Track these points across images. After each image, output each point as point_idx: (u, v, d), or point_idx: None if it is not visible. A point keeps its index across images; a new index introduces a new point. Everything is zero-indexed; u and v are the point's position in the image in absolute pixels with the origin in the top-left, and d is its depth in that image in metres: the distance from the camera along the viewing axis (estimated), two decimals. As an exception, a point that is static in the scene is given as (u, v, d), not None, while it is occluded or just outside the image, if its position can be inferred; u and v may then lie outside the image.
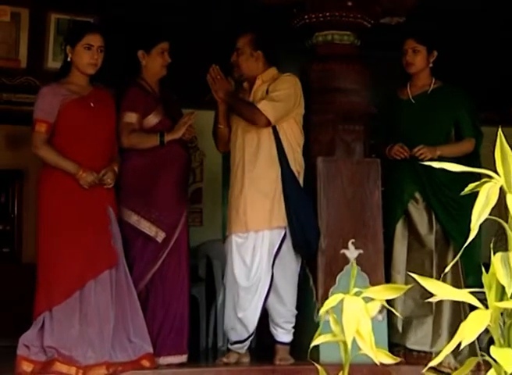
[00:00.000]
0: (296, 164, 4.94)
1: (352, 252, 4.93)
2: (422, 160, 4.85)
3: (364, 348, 2.50)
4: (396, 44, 5.27)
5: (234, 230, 4.89)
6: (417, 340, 4.91)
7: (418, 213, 5.13)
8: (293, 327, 4.88)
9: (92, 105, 4.66)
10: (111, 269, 4.51)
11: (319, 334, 2.66)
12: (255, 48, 4.96)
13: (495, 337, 2.28)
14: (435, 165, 2.46)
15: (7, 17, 6.09)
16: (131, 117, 4.87)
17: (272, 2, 5.17)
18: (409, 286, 2.48)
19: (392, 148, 5.15)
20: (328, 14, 5.10)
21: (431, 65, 5.29)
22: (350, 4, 5.06)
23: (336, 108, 5.08)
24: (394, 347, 4.92)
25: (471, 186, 2.42)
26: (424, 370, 2.35)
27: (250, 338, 4.85)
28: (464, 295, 2.33)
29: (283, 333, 4.87)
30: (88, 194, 4.55)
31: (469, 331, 2.19)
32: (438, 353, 4.93)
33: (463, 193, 2.44)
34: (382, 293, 2.63)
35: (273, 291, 4.83)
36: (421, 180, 5.06)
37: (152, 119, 4.93)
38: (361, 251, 4.94)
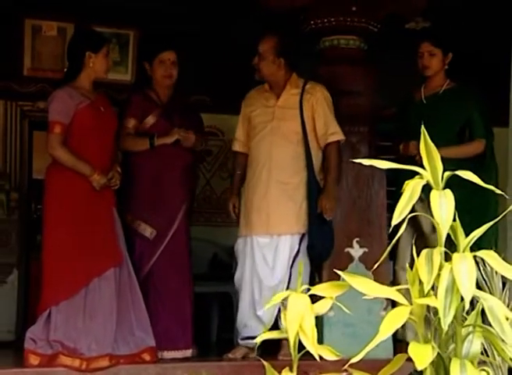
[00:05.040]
0: (321, 171, 5.02)
1: (357, 251, 5.04)
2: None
3: (306, 344, 2.61)
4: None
5: (256, 232, 4.99)
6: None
7: (423, 212, 5.13)
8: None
9: (102, 109, 4.85)
10: (115, 267, 4.68)
11: (266, 330, 2.81)
12: (278, 55, 5.00)
13: (419, 333, 2.38)
14: (366, 162, 2.54)
15: (54, 32, 6.59)
16: (128, 122, 5.11)
17: (279, 9, 5.29)
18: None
19: (408, 144, 5.12)
20: (333, 19, 5.20)
21: (446, 67, 5.29)
22: (354, 9, 5.15)
23: (342, 110, 5.16)
24: (397, 342, 5.01)
25: (406, 183, 2.51)
26: (345, 367, 2.45)
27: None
28: (392, 293, 2.44)
29: (292, 331, 4.99)
30: (95, 195, 4.72)
31: (387, 327, 2.30)
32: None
33: (402, 191, 2.54)
34: (328, 290, 2.75)
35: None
36: (427, 180, 5.07)
37: (149, 121, 5.13)
38: (366, 249, 5.05)
